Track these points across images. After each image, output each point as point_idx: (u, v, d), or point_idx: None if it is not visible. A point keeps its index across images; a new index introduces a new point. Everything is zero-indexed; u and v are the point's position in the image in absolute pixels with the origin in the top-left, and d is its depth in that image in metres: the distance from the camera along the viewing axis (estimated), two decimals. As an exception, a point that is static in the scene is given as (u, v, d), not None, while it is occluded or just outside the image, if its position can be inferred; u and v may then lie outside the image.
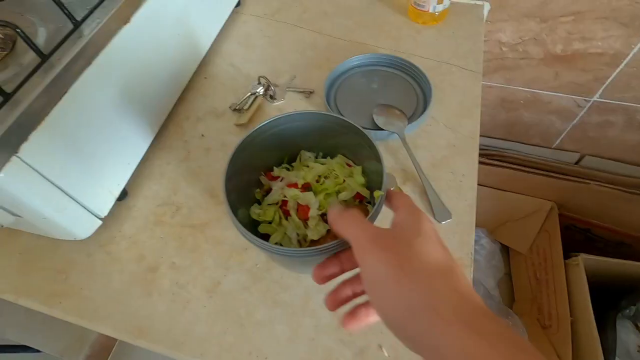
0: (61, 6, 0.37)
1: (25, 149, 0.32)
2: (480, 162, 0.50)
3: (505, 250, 1.04)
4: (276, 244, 0.35)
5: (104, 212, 0.42)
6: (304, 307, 0.39)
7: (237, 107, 0.55)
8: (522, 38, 0.69)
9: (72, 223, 0.39)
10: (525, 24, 0.67)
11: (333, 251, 0.28)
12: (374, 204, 0.36)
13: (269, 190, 0.39)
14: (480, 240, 0.98)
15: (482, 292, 0.91)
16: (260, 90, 0.56)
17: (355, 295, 0.27)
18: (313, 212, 0.35)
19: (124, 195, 0.46)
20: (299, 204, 0.36)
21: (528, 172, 0.88)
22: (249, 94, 0.56)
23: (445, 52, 0.60)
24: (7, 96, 0.33)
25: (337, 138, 0.38)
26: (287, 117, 0.37)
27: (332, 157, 0.41)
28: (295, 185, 0.37)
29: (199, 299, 0.40)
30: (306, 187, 0.37)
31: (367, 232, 0.23)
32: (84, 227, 0.40)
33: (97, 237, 0.43)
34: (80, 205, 0.39)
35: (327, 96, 0.54)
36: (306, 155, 0.41)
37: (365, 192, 0.37)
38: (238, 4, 0.67)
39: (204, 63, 0.60)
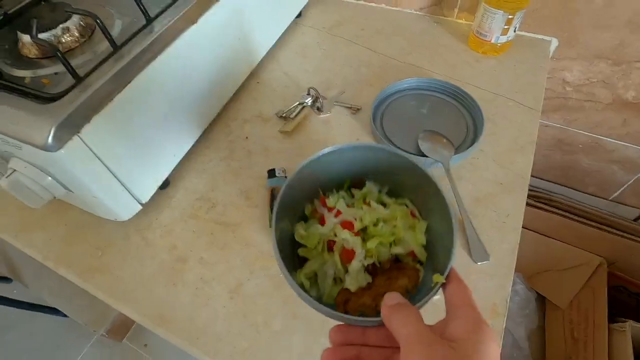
0: (139, 3, 0.40)
1: (86, 130, 0.34)
2: (526, 204, 0.47)
3: (542, 300, 0.96)
4: (313, 278, 0.34)
5: (146, 198, 0.44)
6: (322, 326, 0.38)
7: (283, 115, 0.56)
8: (590, 79, 0.65)
9: (116, 204, 0.41)
10: (596, 65, 0.63)
11: (369, 325, 0.26)
12: (424, 265, 0.33)
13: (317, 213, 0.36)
14: (515, 285, 0.92)
15: (510, 341, 0.84)
16: (309, 100, 0.56)
17: (359, 358, 0.26)
18: (355, 265, 0.32)
19: (166, 184, 0.48)
20: (344, 247, 0.33)
21: (579, 221, 0.82)
22: (297, 103, 0.56)
23: (503, 85, 0.58)
24: (79, 79, 0.36)
25: (404, 177, 0.35)
26: (353, 147, 0.34)
27: (397, 197, 0.37)
28: (350, 226, 0.33)
29: (220, 298, 0.41)
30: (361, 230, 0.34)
31: (423, 342, 0.20)
32: (126, 209, 0.42)
33: (136, 221, 0.45)
34: (126, 188, 0.41)
35: (374, 115, 0.54)
36: (370, 187, 0.37)
37: (422, 255, 0.33)
38: (299, 15, 0.69)
39: (259, 68, 0.62)
